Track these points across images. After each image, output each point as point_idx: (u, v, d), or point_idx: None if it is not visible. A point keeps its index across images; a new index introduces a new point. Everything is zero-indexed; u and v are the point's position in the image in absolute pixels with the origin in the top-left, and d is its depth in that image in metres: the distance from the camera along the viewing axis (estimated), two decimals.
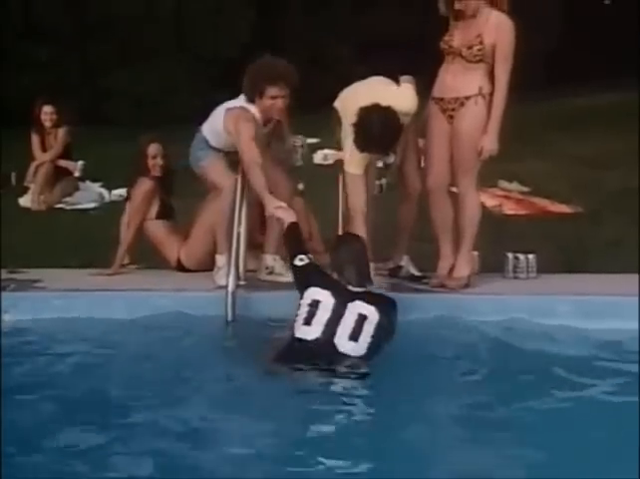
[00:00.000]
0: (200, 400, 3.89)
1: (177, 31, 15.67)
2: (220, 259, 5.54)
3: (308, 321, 4.25)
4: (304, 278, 4.45)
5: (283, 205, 5.01)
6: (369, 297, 4.32)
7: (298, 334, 4.26)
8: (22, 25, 15.58)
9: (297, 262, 4.53)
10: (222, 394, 4.00)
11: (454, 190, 5.50)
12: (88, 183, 9.52)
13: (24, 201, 9.10)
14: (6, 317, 5.08)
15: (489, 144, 5.24)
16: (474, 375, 4.32)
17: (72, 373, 4.27)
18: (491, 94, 5.23)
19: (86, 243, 6.85)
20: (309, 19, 16.89)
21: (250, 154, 5.23)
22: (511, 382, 4.18)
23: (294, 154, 5.61)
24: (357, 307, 4.25)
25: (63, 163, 9.38)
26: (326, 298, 4.27)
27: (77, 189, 9.35)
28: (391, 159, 5.44)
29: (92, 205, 9.00)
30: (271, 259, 5.59)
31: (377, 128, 4.96)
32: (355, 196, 5.28)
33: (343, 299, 4.26)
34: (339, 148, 5.51)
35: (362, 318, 4.21)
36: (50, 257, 6.37)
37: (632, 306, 4.90)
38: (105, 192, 9.26)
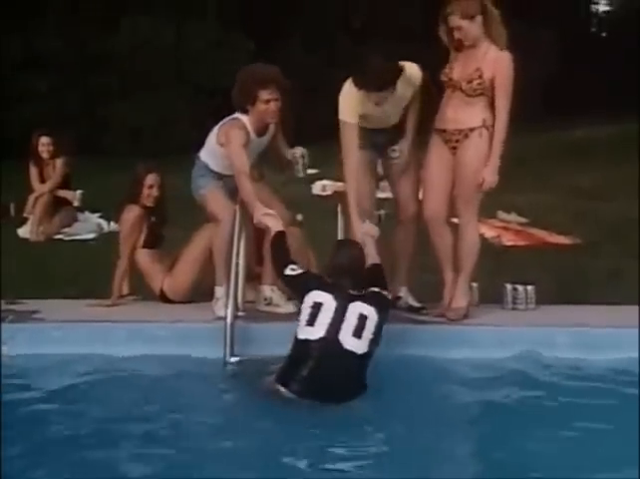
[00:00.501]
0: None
1: (177, 63, 15.76)
2: (219, 291, 5.53)
3: (311, 322, 4.38)
4: (303, 285, 4.59)
5: (271, 212, 5.08)
6: (367, 298, 4.49)
7: (302, 336, 4.38)
8: (22, 56, 15.67)
9: (289, 272, 4.68)
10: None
11: (454, 221, 5.50)
12: (87, 213, 9.52)
13: (23, 231, 9.11)
14: (4, 350, 5.06)
15: (490, 176, 5.25)
16: (474, 409, 4.32)
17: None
18: (494, 126, 5.26)
19: (85, 274, 6.84)
20: (309, 49, 17.00)
21: (239, 161, 5.30)
22: (513, 414, 4.18)
23: (295, 164, 5.61)
24: (357, 308, 4.42)
25: (62, 193, 9.40)
26: (328, 300, 4.42)
27: (76, 219, 9.36)
28: (396, 153, 5.42)
29: (91, 235, 9.00)
30: (269, 290, 5.58)
31: (375, 59, 5.05)
32: (347, 150, 5.25)
33: (344, 301, 4.42)
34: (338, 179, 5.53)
35: (363, 318, 4.39)
36: (49, 288, 6.37)
37: (632, 338, 4.88)
38: (104, 222, 9.27)
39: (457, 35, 5.25)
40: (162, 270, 5.95)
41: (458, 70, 5.30)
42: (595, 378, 4.66)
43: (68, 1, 15.94)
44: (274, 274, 5.41)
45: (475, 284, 5.62)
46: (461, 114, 5.29)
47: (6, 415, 4.10)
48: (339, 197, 5.63)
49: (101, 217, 9.42)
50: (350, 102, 5.19)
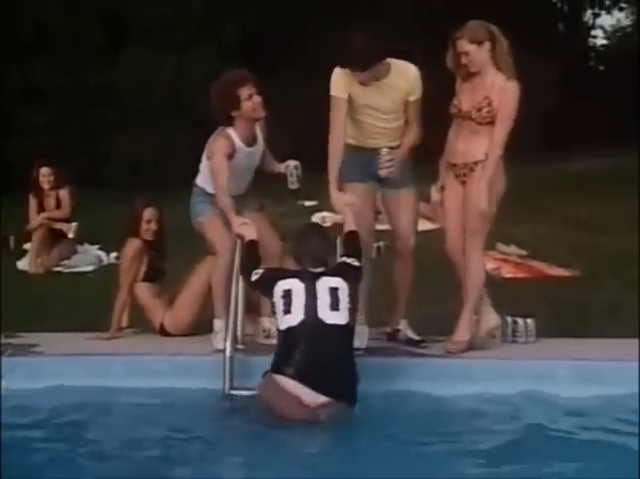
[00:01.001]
0: None
1: (177, 96, 15.83)
2: (218, 323, 5.52)
3: (288, 310, 4.51)
4: (268, 281, 4.71)
5: (247, 221, 5.23)
6: (332, 271, 4.66)
7: (284, 326, 4.51)
8: (22, 90, 15.74)
9: (254, 277, 4.82)
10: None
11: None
12: (86, 245, 9.51)
13: (22, 264, 9.10)
14: (3, 384, 5.03)
15: (479, 202, 5.23)
16: (478, 445, 4.28)
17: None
18: (501, 157, 5.28)
19: (84, 307, 6.83)
20: (308, 82, 17.06)
21: (220, 171, 5.40)
22: (514, 447, 4.16)
23: (289, 176, 5.64)
24: (325, 282, 4.56)
25: (57, 225, 9.37)
26: (295, 284, 4.55)
27: (75, 252, 9.34)
28: (385, 153, 5.36)
29: (90, 267, 8.98)
30: (268, 322, 5.56)
31: (356, 37, 5.22)
32: (333, 123, 5.36)
33: (311, 280, 4.55)
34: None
35: (334, 290, 4.53)
36: (48, 321, 6.35)
37: (632, 371, 4.86)
38: (103, 254, 9.26)
39: (463, 60, 5.28)
40: (162, 305, 5.95)
41: (466, 100, 5.33)
42: (595, 412, 4.64)
43: (68, 34, 16.01)
44: None
45: (475, 318, 5.57)
46: (469, 145, 5.32)
47: (4, 450, 4.07)
48: (339, 229, 5.63)
49: (100, 249, 9.41)
50: (338, 79, 5.35)
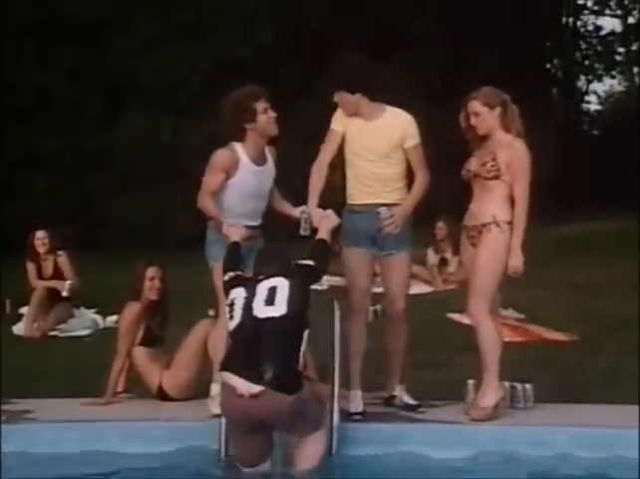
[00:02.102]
0: None
1: (175, 159, 15.91)
2: (215, 387, 5.46)
3: (231, 316, 4.73)
4: (227, 287, 4.93)
5: (235, 224, 5.33)
6: (276, 273, 4.77)
7: (229, 329, 4.75)
8: (22, 154, 15.83)
9: (225, 278, 5.01)
10: None
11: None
12: (82, 309, 9.47)
13: (18, 328, 9.03)
14: None
15: (513, 261, 5.29)
16: None
17: None
18: (508, 222, 5.31)
19: (80, 371, 6.77)
20: (309, 145, 17.18)
21: (212, 178, 5.44)
22: None
23: (303, 223, 5.56)
24: (265, 284, 4.73)
25: (52, 283, 9.33)
26: (239, 293, 4.76)
27: (71, 315, 9.30)
28: (385, 213, 5.36)
29: (86, 331, 8.92)
30: None
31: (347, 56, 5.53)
32: (323, 149, 5.52)
33: (252, 286, 4.76)
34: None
35: (272, 289, 4.69)
36: (43, 386, 6.30)
37: (632, 439, 4.82)
38: (99, 318, 9.21)
39: (472, 120, 5.36)
40: (160, 369, 5.91)
41: (475, 162, 5.40)
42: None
43: (68, 99, 16.16)
44: None
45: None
46: (479, 206, 5.37)
47: None
48: (335, 291, 5.61)
49: (96, 312, 9.37)
50: (338, 114, 5.50)
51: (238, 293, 4.77)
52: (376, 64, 5.83)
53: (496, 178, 5.31)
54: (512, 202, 5.34)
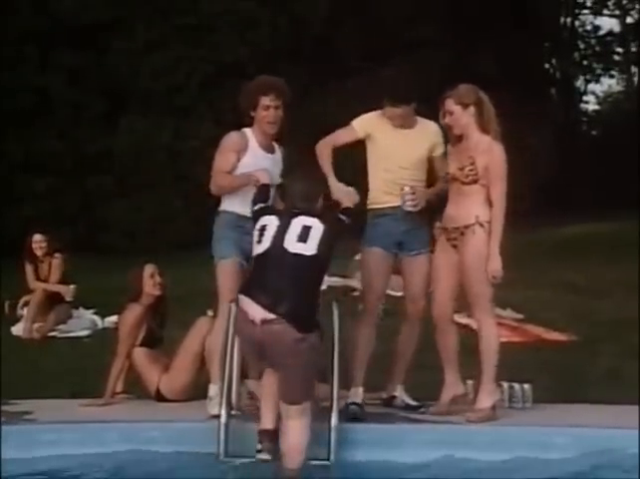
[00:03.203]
0: None
1: (175, 162, 15.94)
2: (213, 389, 5.47)
3: (259, 241, 4.78)
4: (256, 216, 4.98)
5: (266, 169, 5.37)
6: (312, 213, 4.81)
7: (254, 253, 4.80)
8: (22, 157, 15.85)
9: (255, 208, 5.08)
10: None
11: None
12: (81, 310, 9.49)
13: (17, 329, 9.05)
14: None
15: (491, 265, 5.26)
16: None
17: None
18: (490, 221, 5.30)
19: (79, 372, 6.78)
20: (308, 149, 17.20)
21: (223, 160, 5.45)
22: None
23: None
24: (301, 221, 4.75)
25: (55, 287, 9.36)
26: (271, 221, 4.80)
27: (70, 316, 9.32)
28: (408, 192, 5.42)
29: (85, 332, 8.94)
30: (253, 384, 5.51)
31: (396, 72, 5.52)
32: (333, 136, 5.61)
33: (287, 218, 4.79)
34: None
35: (307, 228, 4.72)
36: (42, 387, 6.30)
37: (631, 439, 4.83)
38: (98, 319, 9.23)
39: (447, 119, 5.38)
40: (159, 370, 5.91)
41: (453, 164, 5.40)
42: None
43: (68, 102, 16.18)
44: None
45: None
46: (459, 208, 5.35)
47: None
48: (334, 292, 5.63)
49: (95, 313, 9.38)
50: (367, 118, 5.57)
51: (271, 221, 4.81)
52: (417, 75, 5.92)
53: (475, 182, 5.30)
54: (491, 203, 5.32)
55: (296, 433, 4.67)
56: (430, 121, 5.60)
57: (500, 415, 5.39)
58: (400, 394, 5.63)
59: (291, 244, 4.69)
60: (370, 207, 5.58)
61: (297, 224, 4.75)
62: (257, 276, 4.75)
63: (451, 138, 5.47)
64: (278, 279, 4.62)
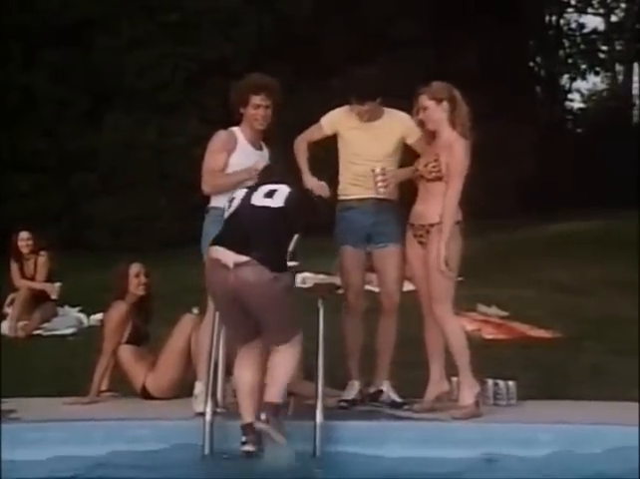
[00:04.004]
0: None
1: (160, 160, 15.90)
2: (199, 386, 5.47)
3: (229, 206, 5.01)
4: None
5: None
6: (278, 182, 5.04)
7: (224, 217, 5.02)
8: (6, 155, 15.78)
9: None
10: None
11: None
12: (66, 308, 9.45)
13: (1, 328, 9.00)
14: None
15: (437, 258, 5.24)
16: None
17: None
18: (457, 222, 5.32)
19: (64, 371, 6.76)
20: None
21: (212, 160, 5.49)
22: None
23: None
24: (266, 187, 5.00)
25: (40, 285, 9.33)
26: (240, 193, 5.05)
27: (55, 314, 9.28)
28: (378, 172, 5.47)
29: (70, 330, 8.89)
30: None
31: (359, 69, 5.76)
32: (308, 133, 5.81)
33: (254, 188, 5.04)
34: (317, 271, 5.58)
35: (273, 190, 4.96)
36: (26, 386, 6.27)
37: (614, 435, 4.85)
38: (83, 317, 9.20)
39: (420, 115, 5.41)
40: (145, 367, 5.91)
41: (422, 161, 5.44)
42: (578, 476, 4.62)
43: (52, 99, 16.11)
44: None
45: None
46: (425, 206, 5.38)
47: None
48: (319, 289, 5.64)
49: (80, 311, 9.35)
50: (333, 117, 5.72)
51: (240, 193, 5.04)
52: (382, 71, 6.04)
53: (439, 179, 5.32)
54: (460, 202, 5.33)
55: (282, 365, 4.85)
56: (395, 110, 5.66)
57: (485, 412, 5.41)
58: (387, 389, 5.65)
59: (258, 200, 4.92)
60: (339, 198, 5.68)
61: (264, 188, 4.98)
62: (227, 229, 4.94)
63: (425, 136, 5.50)
64: (247, 228, 4.83)
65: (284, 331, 4.84)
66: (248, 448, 4.77)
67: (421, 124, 5.47)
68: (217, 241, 4.85)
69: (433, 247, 5.30)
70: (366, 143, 5.56)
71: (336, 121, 5.68)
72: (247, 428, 4.81)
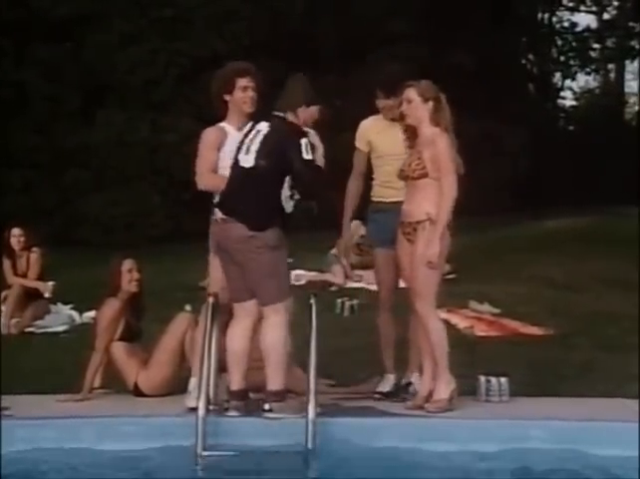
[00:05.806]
0: None
1: (151, 156, 15.89)
2: (193, 382, 5.47)
3: None
4: None
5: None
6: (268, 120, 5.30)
7: None
8: None
9: None
10: None
11: None
12: (59, 305, 9.43)
13: None
14: None
15: (428, 250, 5.27)
16: None
17: None
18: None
19: (56, 368, 6.75)
20: None
21: (205, 158, 5.51)
22: None
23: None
24: (258, 126, 5.26)
25: (33, 284, 9.31)
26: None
27: (48, 312, 9.26)
28: None
29: (62, 328, 8.87)
30: None
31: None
32: (354, 172, 5.92)
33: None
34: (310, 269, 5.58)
35: (257, 131, 5.23)
36: (19, 383, 6.26)
37: (606, 432, 4.86)
38: (75, 314, 9.18)
39: (403, 107, 5.46)
40: (137, 364, 5.90)
41: (406, 161, 5.47)
42: (570, 473, 4.63)
43: (45, 95, 16.09)
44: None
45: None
46: (412, 204, 5.41)
47: None
48: (312, 286, 5.65)
49: (73, 308, 9.34)
50: (361, 131, 5.90)
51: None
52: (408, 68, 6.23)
53: (425, 176, 5.34)
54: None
55: (271, 331, 5.05)
56: None
57: (478, 408, 5.43)
58: (415, 381, 5.70)
59: (240, 157, 5.21)
60: (372, 199, 5.88)
61: (254, 131, 5.22)
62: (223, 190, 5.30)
63: (407, 138, 5.55)
64: (231, 189, 5.20)
65: (268, 288, 5.06)
66: (232, 413, 5.06)
67: (401, 117, 5.51)
68: (218, 205, 5.22)
69: (420, 244, 5.32)
70: (391, 142, 5.70)
71: (364, 133, 5.86)
72: (234, 394, 5.10)
